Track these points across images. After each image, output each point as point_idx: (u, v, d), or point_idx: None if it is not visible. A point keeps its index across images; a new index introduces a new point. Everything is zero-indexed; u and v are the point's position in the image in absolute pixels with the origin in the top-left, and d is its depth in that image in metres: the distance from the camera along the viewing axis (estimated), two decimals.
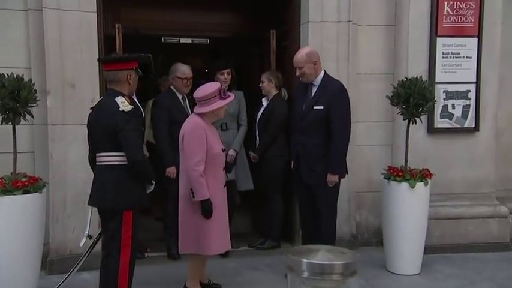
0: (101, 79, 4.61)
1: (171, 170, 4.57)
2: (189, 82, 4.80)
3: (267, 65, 5.65)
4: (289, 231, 5.36)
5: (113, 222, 3.25)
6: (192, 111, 4.01)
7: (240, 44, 7.10)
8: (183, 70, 4.79)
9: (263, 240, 5.25)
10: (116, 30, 4.97)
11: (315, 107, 4.15)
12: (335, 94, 4.12)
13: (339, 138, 4.10)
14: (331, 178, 4.15)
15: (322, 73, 4.23)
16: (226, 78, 4.92)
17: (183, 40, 7.48)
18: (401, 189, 4.46)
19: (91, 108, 3.39)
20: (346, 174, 4.37)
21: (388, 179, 4.56)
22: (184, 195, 3.75)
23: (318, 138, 4.14)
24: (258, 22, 6.34)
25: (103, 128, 3.21)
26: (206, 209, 3.63)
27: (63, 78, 4.45)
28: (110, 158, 3.24)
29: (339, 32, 4.97)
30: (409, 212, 4.48)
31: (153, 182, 3.40)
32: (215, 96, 3.73)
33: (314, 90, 4.22)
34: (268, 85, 5.12)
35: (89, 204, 3.41)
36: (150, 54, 3.47)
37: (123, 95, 3.25)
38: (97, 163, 3.33)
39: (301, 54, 4.20)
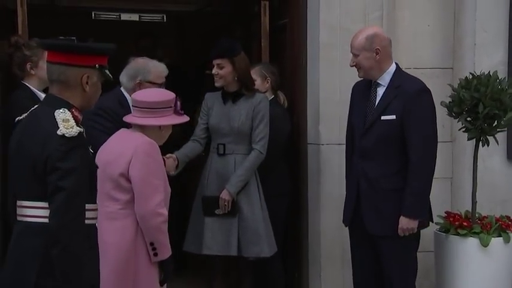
0: None
1: None
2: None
3: (256, 55, 5.71)
4: None
5: None
6: None
7: (215, 22, 7.12)
8: (159, 72, 4.66)
9: None
10: (18, 0, 4.97)
11: (382, 117, 4.28)
12: (414, 96, 4.25)
13: (422, 165, 4.22)
14: (407, 224, 4.22)
15: (392, 68, 4.38)
16: (216, 74, 4.83)
17: (124, 16, 7.47)
18: (467, 248, 4.51)
19: (17, 122, 3.22)
20: (431, 222, 4.47)
21: (447, 232, 4.60)
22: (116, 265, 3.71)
23: (388, 163, 4.28)
24: None
25: (27, 161, 3.02)
26: (168, 270, 3.77)
27: None
28: (36, 212, 3.03)
29: (366, 4, 5.10)
30: (481, 282, 4.52)
31: None
32: (170, 107, 3.81)
33: (381, 92, 4.36)
34: (262, 85, 5.15)
35: None
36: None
37: (70, 107, 3.06)
38: (17, 217, 3.13)
39: (359, 35, 4.34)
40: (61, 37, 3.43)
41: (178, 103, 3.87)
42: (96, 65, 3.13)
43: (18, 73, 4.72)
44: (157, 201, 3.69)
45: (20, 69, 4.71)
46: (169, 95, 3.90)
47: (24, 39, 4.85)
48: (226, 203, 4.72)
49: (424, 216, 4.32)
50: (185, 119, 3.94)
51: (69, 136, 2.92)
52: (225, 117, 4.82)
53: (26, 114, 3.18)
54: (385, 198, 4.27)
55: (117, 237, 3.71)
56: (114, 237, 3.69)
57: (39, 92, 4.58)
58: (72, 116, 3.00)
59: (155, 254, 3.71)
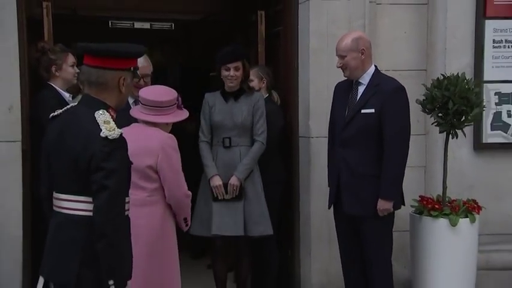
0: (22, 78, 4.65)
1: None
2: (144, 81, 4.53)
3: (253, 58, 5.69)
4: (286, 286, 5.40)
5: None
6: None
7: (217, 30, 7.14)
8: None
9: None
10: (44, 10, 4.98)
11: (362, 111, 4.28)
12: (391, 94, 4.26)
13: (395, 151, 4.22)
14: (384, 205, 4.23)
15: (372, 69, 4.37)
16: (232, 76, 4.79)
17: (137, 25, 7.50)
18: (438, 228, 4.50)
19: (52, 118, 3.08)
20: (403, 206, 4.47)
21: (420, 213, 4.60)
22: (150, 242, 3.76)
23: (366, 152, 4.27)
24: (241, 0, 6.40)
25: (69, 157, 2.87)
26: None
27: None
28: (76, 205, 2.90)
29: (351, 14, 5.03)
30: (450, 259, 4.52)
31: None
32: (174, 104, 3.87)
33: (361, 90, 4.35)
34: (259, 85, 5.17)
35: (40, 274, 3.12)
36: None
37: (108, 108, 2.94)
38: (54, 208, 2.99)
39: (345, 38, 4.33)
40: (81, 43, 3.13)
41: (180, 99, 3.92)
42: (132, 68, 3.04)
43: (44, 75, 4.73)
44: (185, 185, 3.84)
45: (46, 72, 4.72)
46: (174, 93, 3.93)
47: (49, 44, 4.85)
48: (235, 188, 4.73)
49: (398, 198, 4.32)
50: (187, 114, 3.96)
51: (112, 138, 2.80)
52: (228, 114, 4.80)
53: (61, 111, 3.06)
54: (363, 183, 4.26)
55: (148, 221, 3.75)
56: (145, 221, 3.71)
57: (63, 92, 4.61)
58: (111, 117, 2.89)
59: (187, 225, 3.95)
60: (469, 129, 4.77)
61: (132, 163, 3.00)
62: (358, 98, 4.33)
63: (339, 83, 4.51)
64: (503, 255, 5.19)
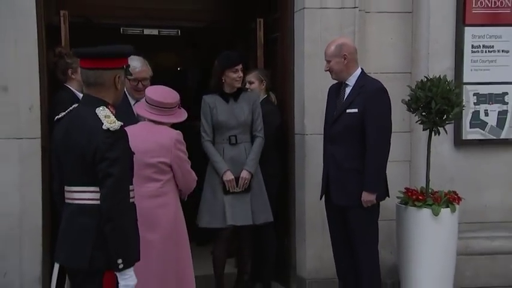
0: (42, 80, 4.68)
1: None
2: (142, 85, 4.36)
3: (252, 62, 5.72)
4: (283, 271, 5.43)
5: (89, 287, 2.97)
6: None
7: (219, 35, 7.16)
8: (132, 67, 4.28)
9: (251, 283, 5.29)
10: (61, 18, 5.02)
11: (347, 110, 4.31)
12: (373, 94, 4.28)
13: (377, 148, 4.24)
14: (367, 197, 4.26)
15: (358, 71, 4.40)
16: (240, 77, 4.84)
17: (147, 31, 7.53)
18: (421, 217, 4.52)
19: (57, 120, 3.10)
20: (387, 197, 4.49)
21: (405, 204, 4.63)
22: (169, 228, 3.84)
23: (351, 148, 4.30)
24: (241, 9, 6.43)
25: (76, 152, 2.89)
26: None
27: None
28: (86, 196, 2.92)
29: (342, 21, 5.04)
30: (432, 246, 4.53)
31: None
32: (177, 105, 3.94)
33: (348, 91, 4.39)
34: (259, 87, 5.21)
35: (54, 260, 3.18)
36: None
37: (107, 105, 2.96)
38: (66, 200, 3.01)
39: (331, 45, 4.39)
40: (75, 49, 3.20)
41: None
42: (124, 66, 3.05)
43: (61, 77, 4.78)
44: (193, 171, 3.95)
45: (63, 74, 4.76)
46: (177, 95, 3.98)
47: (66, 49, 4.87)
48: (246, 182, 4.76)
49: (381, 190, 4.34)
50: (186, 114, 4.01)
51: (113, 130, 2.83)
52: (231, 114, 4.80)
53: (65, 113, 3.08)
54: (348, 177, 4.30)
55: (164, 210, 3.83)
56: (162, 210, 3.81)
57: (79, 93, 4.61)
58: (111, 112, 2.93)
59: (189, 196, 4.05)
60: (450, 127, 4.78)
61: (134, 153, 3.03)
62: (345, 98, 4.37)
63: (332, 85, 4.55)
64: (480, 242, 5.21)
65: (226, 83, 4.82)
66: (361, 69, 4.43)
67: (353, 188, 4.28)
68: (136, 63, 4.24)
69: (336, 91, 4.48)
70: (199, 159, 4.62)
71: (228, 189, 4.74)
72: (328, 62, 4.36)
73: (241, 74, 4.83)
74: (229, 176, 4.74)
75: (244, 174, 4.77)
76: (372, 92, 4.29)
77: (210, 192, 4.82)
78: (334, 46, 4.35)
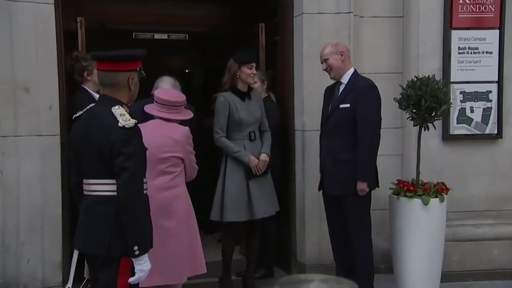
0: (60, 81, 4.69)
1: None
2: None
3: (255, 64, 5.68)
4: (284, 257, 5.43)
5: (106, 272, 2.95)
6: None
7: (224, 39, 7.15)
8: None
9: (254, 268, 5.25)
10: (78, 24, 5.03)
11: (341, 106, 4.35)
12: (363, 90, 4.32)
13: (367, 140, 4.26)
14: (360, 186, 4.28)
15: (351, 70, 4.46)
16: (254, 74, 4.75)
17: (157, 36, 7.54)
18: (412, 207, 4.53)
19: (75, 119, 3.12)
20: (377, 188, 4.50)
21: (398, 194, 4.63)
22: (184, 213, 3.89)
23: (344, 141, 4.32)
24: (244, 14, 6.42)
25: (94, 148, 2.92)
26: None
27: (15, 80, 4.52)
28: (103, 188, 2.95)
29: (338, 25, 5.06)
30: (423, 233, 4.54)
31: None
32: (184, 104, 3.98)
33: (342, 88, 4.43)
34: (261, 87, 5.21)
35: (74, 248, 3.22)
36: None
37: (122, 104, 2.97)
38: (85, 192, 3.03)
39: (327, 46, 4.45)
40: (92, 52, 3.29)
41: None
42: (137, 68, 3.06)
43: (78, 79, 4.79)
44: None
45: (80, 76, 4.77)
46: (183, 96, 4.04)
47: (82, 53, 4.89)
48: (265, 163, 4.68)
49: (371, 180, 4.35)
50: (191, 113, 4.04)
51: (128, 127, 2.86)
52: (249, 111, 4.72)
53: (82, 112, 3.10)
54: (341, 167, 4.33)
55: (179, 200, 3.86)
56: (177, 201, 3.84)
57: (94, 93, 4.62)
58: (125, 110, 2.94)
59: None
60: (438, 123, 4.77)
61: (147, 149, 3.05)
62: (338, 94, 4.41)
63: (328, 86, 4.59)
64: (466, 229, 5.22)
65: (240, 79, 4.68)
66: (354, 68, 4.49)
67: (345, 178, 4.31)
68: (164, 85, 4.35)
69: (331, 90, 4.52)
70: (202, 155, 4.59)
71: (254, 173, 4.65)
72: (326, 60, 4.40)
73: (255, 71, 4.77)
74: (254, 160, 4.64)
75: (263, 157, 4.68)
76: (362, 89, 4.33)
77: (233, 184, 4.64)
78: (331, 45, 4.44)
